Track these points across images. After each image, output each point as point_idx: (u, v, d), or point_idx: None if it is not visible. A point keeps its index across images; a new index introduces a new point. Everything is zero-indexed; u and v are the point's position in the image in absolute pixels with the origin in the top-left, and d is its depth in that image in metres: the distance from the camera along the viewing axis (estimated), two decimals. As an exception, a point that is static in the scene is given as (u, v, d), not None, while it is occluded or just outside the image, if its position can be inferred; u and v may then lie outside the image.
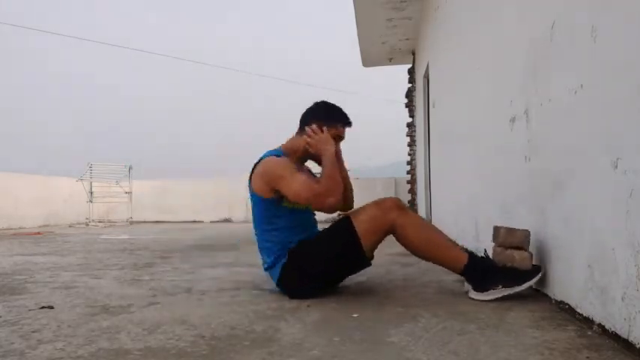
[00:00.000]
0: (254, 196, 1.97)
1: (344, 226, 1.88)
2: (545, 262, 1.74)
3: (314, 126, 1.95)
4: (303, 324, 1.50)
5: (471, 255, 1.85)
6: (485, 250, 1.90)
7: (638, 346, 1.11)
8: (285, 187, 1.85)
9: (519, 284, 1.71)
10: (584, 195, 1.42)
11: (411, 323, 1.48)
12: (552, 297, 1.68)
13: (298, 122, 2.05)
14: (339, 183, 1.88)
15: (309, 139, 1.95)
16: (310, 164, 2.14)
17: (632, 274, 1.13)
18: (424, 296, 1.90)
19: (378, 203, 1.89)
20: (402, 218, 1.85)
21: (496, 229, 1.85)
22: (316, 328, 1.45)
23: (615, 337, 1.22)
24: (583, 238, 1.42)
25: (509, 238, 1.78)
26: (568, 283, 1.54)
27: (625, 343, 1.17)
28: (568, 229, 1.54)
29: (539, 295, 1.81)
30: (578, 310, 1.45)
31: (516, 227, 1.82)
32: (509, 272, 1.73)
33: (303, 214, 1.99)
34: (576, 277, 1.46)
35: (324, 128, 1.95)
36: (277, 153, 1.98)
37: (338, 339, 1.33)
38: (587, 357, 1.14)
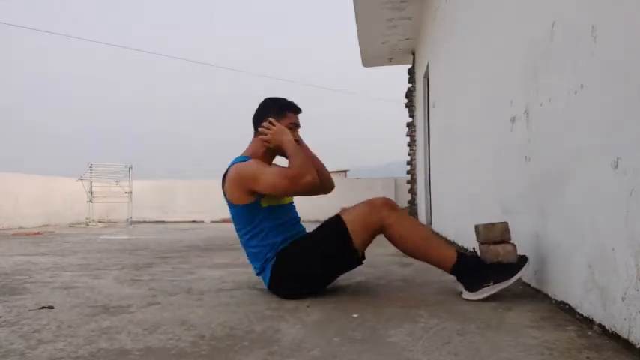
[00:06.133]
0: (232, 206, 1.97)
1: (335, 225, 1.90)
2: (545, 262, 1.74)
3: (266, 123, 1.98)
4: (303, 324, 1.49)
5: (461, 254, 1.86)
6: (474, 249, 1.90)
7: (638, 346, 1.11)
8: (259, 184, 1.87)
9: (509, 277, 1.73)
10: (584, 195, 1.42)
11: (411, 323, 1.48)
12: (552, 297, 1.68)
13: (252, 127, 2.07)
14: (308, 160, 1.91)
15: (264, 136, 1.98)
16: (280, 161, 2.14)
17: (632, 274, 1.13)
18: (424, 296, 1.89)
19: (369, 202, 1.91)
20: (391, 217, 1.86)
21: (476, 228, 1.85)
22: (316, 328, 1.45)
23: (615, 337, 1.22)
24: (583, 238, 1.42)
25: (490, 234, 1.79)
26: (568, 283, 1.54)
27: (625, 343, 1.17)
28: (568, 228, 1.54)
29: (539, 295, 1.81)
30: (578, 310, 1.45)
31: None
32: (497, 267, 1.75)
33: (284, 212, 2.00)
34: (576, 277, 1.46)
35: (276, 121, 1.98)
36: (243, 158, 2.00)
37: (338, 339, 1.33)
38: (587, 357, 1.14)
